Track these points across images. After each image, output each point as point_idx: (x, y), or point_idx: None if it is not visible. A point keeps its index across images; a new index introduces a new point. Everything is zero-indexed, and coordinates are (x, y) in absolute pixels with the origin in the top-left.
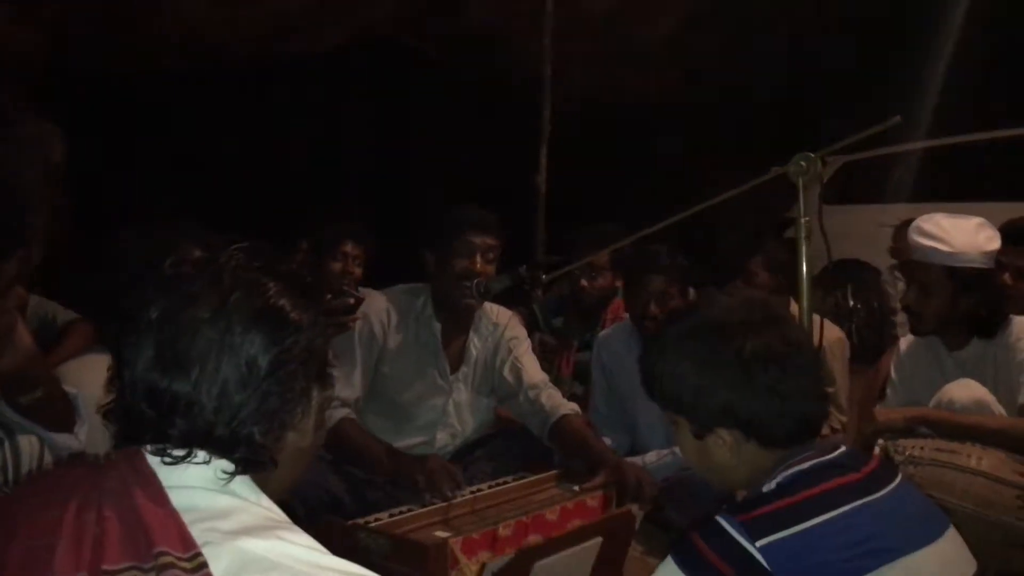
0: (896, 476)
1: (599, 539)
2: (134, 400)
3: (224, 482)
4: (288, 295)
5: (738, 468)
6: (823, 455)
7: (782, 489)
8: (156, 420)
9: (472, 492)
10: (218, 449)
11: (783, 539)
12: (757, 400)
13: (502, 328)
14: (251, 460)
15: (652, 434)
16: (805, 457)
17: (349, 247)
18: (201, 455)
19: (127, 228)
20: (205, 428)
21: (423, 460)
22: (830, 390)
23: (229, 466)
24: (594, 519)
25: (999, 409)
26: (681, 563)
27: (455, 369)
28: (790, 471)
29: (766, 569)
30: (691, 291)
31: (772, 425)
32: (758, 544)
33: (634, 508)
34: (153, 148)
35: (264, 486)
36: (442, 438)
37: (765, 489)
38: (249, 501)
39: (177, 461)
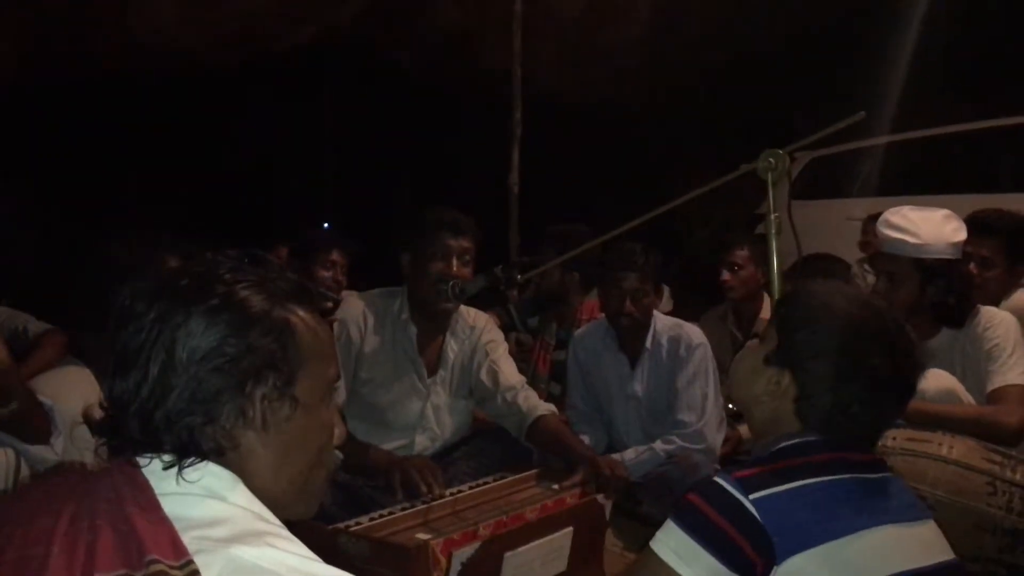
0: (888, 470)
1: (570, 529)
2: (106, 407)
3: (200, 480)
4: (238, 287)
5: (762, 407)
6: (827, 435)
7: (780, 454)
8: (117, 421)
9: (452, 493)
10: (159, 441)
11: (774, 494)
12: (833, 392)
13: (479, 331)
14: (189, 449)
15: (629, 431)
16: (812, 433)
17: (335, 255)
18: (166, 458)
19: (109, 238)
20: (144, 420)
21: (404, 460)
22: None
23: (186, 463)
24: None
25: (968, 398)
26: (679, 520)
27: (432, 372)
28: (793, 440)
29: (757, 520)
30: (664, 288)
31: (819, 413)
32: (751, 497)
33: (599, 497)
34: (121, 155)
35: (252, 489)
36: (421, 441)
37: (764, 454)
38: (240, 507)
39: (148, 462)
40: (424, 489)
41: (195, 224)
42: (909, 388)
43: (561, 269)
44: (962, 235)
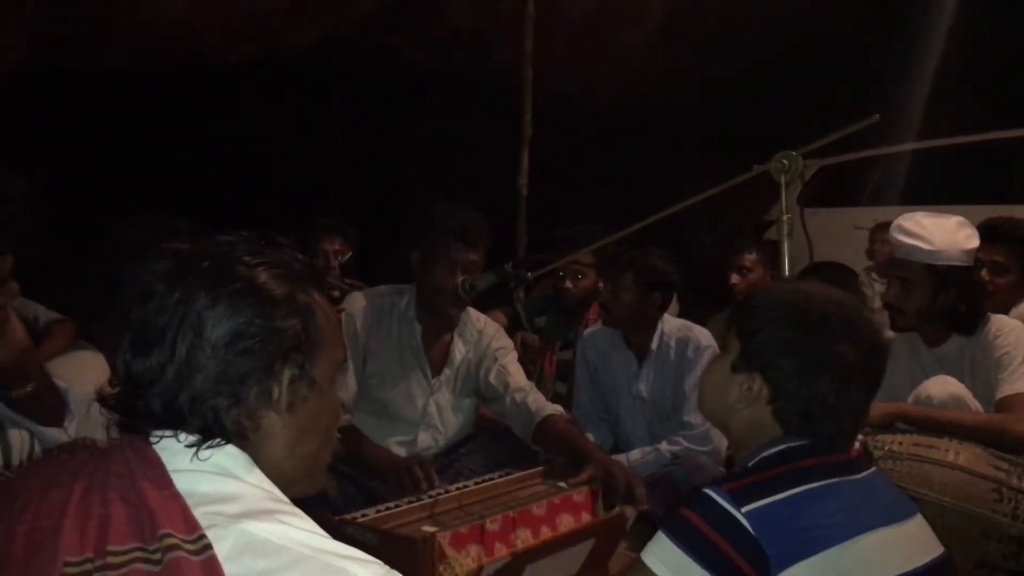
0: (872, 465)
1: (592, 540)
2: (120, 383)
3: (212, 457)
4: (260, 269)
5: (739, 416)
6: (811, 438)
7: (768, 462)
8: (134, 399)
9: (458, 488)
10: (182, 422)
11: (766, 505)
12: (805, 385)
13: (488, 337)
14: (214, 431)
15: (635, 431)
16: (795, 438)
17: (338, 244)
18: (181, 436)
19: (115, 225)
20: (167, 401)
21: (399, 463)
22: None
23: (210, 444)
24: (580, 513)
25: (975, 404)
26: (671, 534)
27: (438, 371)
28: (776, 447)
29: (751, 533)
30: (671, 292)
31: (796, 410)
32: (743, 510)
33: (627, 510)
34: (129, 147)
35: (265, 469)
36: (424, 438)
37: (751, 463)
38: (252, 485)
39: (158, 439)
40: (424, 486)
41: (201, 217)
42: (879, 372)
43: (596, 271)
44: (975, 242)
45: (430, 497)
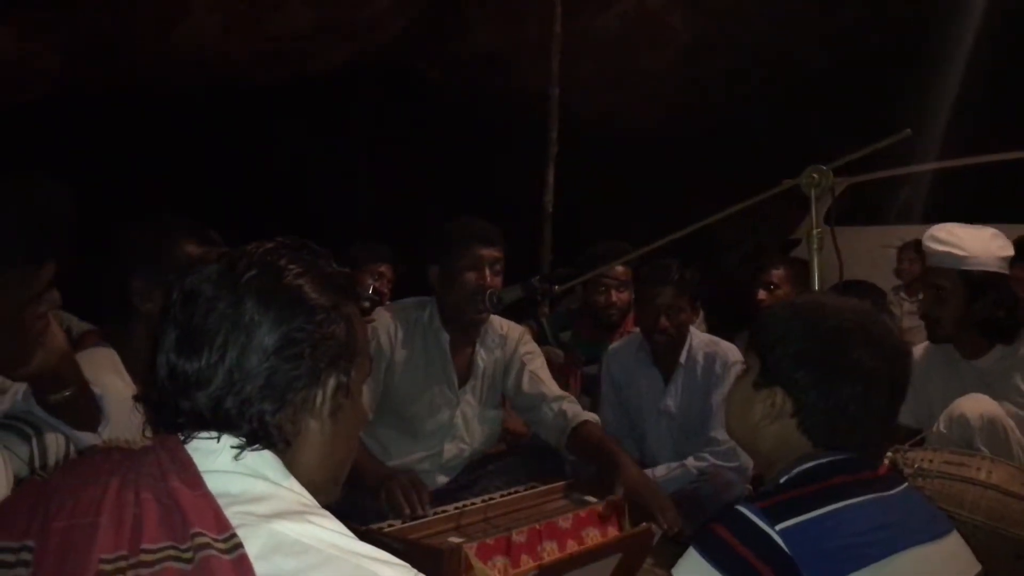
0: (904, 481)
1: (619, 555)
2: (160, 382)
3: (243, 458)
4: (306, 278)
5: (765, 434)
6: (842, 454)
7: (801, 479)
8: (175, 398)
9: (484, 500)
10: (228, 425)
11: (801, 523)
12: (826, 395)
13: (512, 342)
14: (259, 436)
15: (660, 447)
16: (827, 454)
17: (384, 268)
18: (224, 438)
19: (124, 227)
20: (214, 403)
21: (391, 476)
22: None
23: (253, 448)
24: (606, 527)
25: (1009, 423)
26: (703, 551)
27: (463, 382)
28: (808, 464)
29: (785, 552)
30: (699, 306)
31: (820, 420)
32: (777, 528)
33: (653, 526)
34: (159, 167)
35: (296, 474)
36: (449, 450)
37: (783, 480)
38: (282, 487)
39: (188, 438)
40: (407, 511)
41: (228, 235)
42: (901, 378)
43: (633, 286)
44: (1009, 251)
45: (456, 509)
